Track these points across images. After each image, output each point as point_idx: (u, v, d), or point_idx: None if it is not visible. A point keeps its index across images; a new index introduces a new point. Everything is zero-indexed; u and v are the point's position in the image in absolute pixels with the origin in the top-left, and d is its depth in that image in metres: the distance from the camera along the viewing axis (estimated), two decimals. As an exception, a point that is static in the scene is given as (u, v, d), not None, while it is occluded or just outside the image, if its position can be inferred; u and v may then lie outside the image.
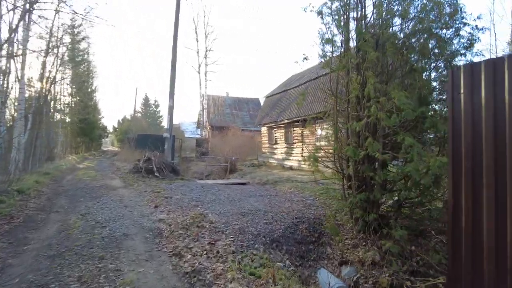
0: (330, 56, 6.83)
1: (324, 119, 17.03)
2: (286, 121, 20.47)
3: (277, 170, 17.02)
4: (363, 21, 6.33)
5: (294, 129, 20.11)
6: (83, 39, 20.66)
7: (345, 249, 6.04)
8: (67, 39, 18.27)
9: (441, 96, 6.16)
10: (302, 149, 19.08)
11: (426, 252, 5.56)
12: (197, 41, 30.67)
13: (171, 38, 15.29)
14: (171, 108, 13.79)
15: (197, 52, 30.80)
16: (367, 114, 5.65)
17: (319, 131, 17.46)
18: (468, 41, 5.89)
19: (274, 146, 22.82)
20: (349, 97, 6.21)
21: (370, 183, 6.17)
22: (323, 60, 7.66)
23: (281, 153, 21.98)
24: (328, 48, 6.85)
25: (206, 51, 30.84)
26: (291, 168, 19.01)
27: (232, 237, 5.38)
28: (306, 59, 8.03)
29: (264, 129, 24.95)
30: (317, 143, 17.50)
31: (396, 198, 6.38)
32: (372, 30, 6.25)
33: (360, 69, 6.14)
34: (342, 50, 6.74)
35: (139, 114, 53.36)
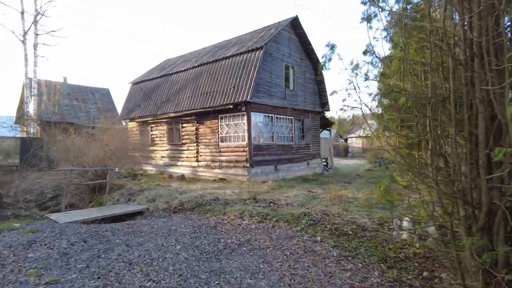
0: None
1: (230, 113, 13.26)
2: (172, 115, 15.48)
3: (175, 183, 12.00)
4: None
5: (185, 125, 15.39)
6: None
7: None
8: None
9: None
10: (197, 152, 14.69)
11: None
12: (22, -3, 20.74)
13: None
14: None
15: (22, 14, 20.86)
16: None
17: (225, 129, 13.55)
18: None
19: (151, 148, 17.26)
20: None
21: None
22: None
23: (162, 157, 16.73)
24: None
25: (37, 14, 21.27)
26: (183, 177, 14.26)
27: None
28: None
29: (133, 126, 18.82)
30: (222, 144, 13.60)
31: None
32: None
33: None
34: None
35: None
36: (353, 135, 40.20)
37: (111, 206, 8.10)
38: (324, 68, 4.49)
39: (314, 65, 17.00)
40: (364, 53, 5.51)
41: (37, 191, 11.56)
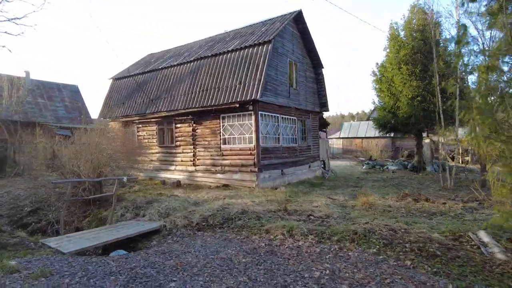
0: None
1: (234, 112, 12.05)
2: (164, 114, 13.95)
3: (177, 191, 10.56)
4: None
5: (179, 125, 13.92)
6: None
7: None
8: None
9: None
10: (195, 155, 13.32)
11: None
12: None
13: None
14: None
15: (-25, -5, 18.09)
16: None
17: (228, 130, 12.34)
18: None
19: (139, 151, 15.51)
20: None
21: None
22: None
23: (152, 161, 15.10)
24: None
25: (-5, -4, 18.59)
26: (179, 183, 12.83)
27: None
28: None
29: (115, 126, 16.92)
30: (224, 146, 12.39)
31: None
32: None
33: None
34: None
35: None
36: (333, 136, 40.23)
37: (118, 225, 6.62)
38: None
39: (314, 63, 16.21)
40: (457, 42, 4.68)
41: (8, 204, 9.65)
